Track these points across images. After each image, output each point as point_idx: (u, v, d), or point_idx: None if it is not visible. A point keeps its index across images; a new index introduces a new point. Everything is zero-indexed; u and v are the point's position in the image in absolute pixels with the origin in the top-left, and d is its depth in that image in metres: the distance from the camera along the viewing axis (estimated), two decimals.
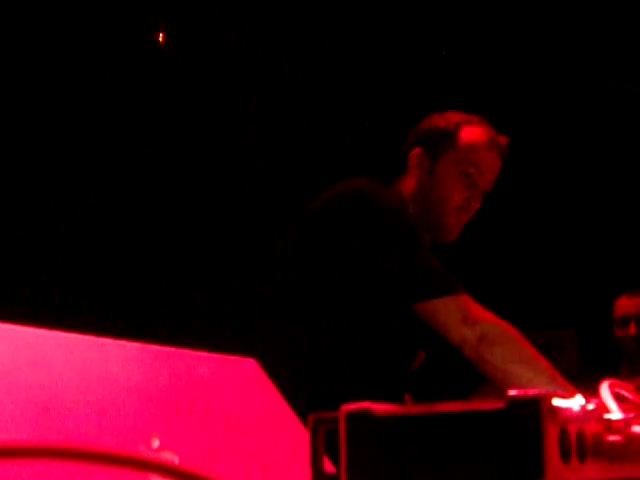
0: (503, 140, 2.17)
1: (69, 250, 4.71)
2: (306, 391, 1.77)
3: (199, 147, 4.92)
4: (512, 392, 0.59)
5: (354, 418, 0.65)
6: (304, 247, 2.01)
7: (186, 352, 0.95)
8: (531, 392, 0.59)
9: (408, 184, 2.17)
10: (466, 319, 1.86)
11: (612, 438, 0.64)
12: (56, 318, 4.76)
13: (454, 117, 2.19)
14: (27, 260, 4.62)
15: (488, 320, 1.88)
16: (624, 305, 3.83)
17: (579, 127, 4.92)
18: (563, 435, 0.59)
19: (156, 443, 0.80)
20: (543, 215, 5.01)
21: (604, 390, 0.70)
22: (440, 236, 2.15)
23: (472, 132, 2.16)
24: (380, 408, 0.64)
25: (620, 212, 4.91)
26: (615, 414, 0.67)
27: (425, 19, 4.81)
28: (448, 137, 2.15)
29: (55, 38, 4.32)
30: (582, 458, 0.61)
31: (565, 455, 0.59)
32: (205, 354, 0.96)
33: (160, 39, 4.56)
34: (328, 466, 0.68)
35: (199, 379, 0.93)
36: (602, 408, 0.67)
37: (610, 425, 0.65)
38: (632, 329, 3.77)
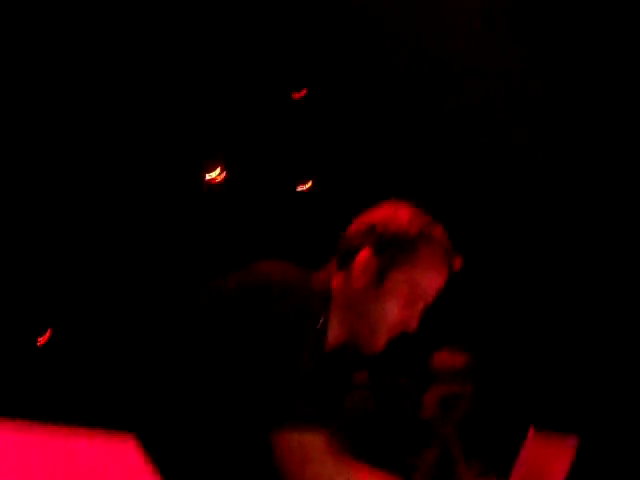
0: (457, 262, 1.96)
1: (64, 253, 4.74)
2: (185, 471, 1.69)
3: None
4: None
5: None
6: (199, 330, 1.79)
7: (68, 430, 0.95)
8: None
9: (344, 285, 1.93)
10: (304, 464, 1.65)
11: None
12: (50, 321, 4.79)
13: (414, 225, 1.94)
14: (26, 263, 4.66)
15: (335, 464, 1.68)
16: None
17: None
18: None
19: None
20: None
21: None
22: (364, 348, 1.95)
23: (431, 253, 1.94)
24: None
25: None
26: None
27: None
28: (407, 251, 1.92)
29: None
30: None
31: None
32: (82, 430, 0.96)
33: None
34: None
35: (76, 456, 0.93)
36: None
37: None
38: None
